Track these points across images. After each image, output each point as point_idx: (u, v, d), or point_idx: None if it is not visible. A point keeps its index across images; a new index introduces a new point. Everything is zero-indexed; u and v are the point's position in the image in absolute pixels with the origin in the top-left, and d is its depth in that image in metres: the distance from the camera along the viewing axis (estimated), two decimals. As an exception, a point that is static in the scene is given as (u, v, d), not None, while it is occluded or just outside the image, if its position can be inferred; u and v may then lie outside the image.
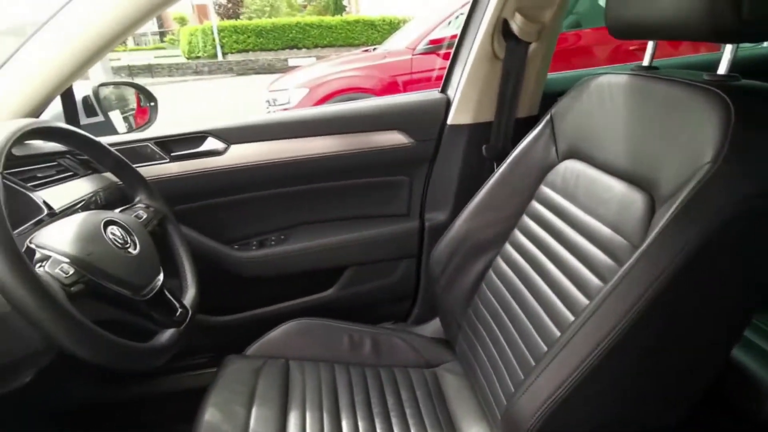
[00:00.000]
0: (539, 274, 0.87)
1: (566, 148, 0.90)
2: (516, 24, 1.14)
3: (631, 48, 3.74)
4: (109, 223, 0.77)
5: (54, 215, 0.92)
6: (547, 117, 0.95)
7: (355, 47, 13.10)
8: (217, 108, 8.27)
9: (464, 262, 1.05)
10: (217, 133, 1.19)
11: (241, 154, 1.20)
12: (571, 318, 0.73)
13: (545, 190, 0.93)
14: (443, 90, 1.33)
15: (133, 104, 1.61)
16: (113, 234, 0.76)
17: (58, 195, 0.97)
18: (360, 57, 4.81)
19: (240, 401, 0.96)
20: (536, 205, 0.94)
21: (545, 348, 0.77)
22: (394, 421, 0.97)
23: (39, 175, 1.00)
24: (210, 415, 0.92)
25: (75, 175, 1.08)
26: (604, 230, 0.74)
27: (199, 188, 1.21)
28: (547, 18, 1.16)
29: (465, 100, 1.25)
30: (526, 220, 0.96)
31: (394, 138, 1.26)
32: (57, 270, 0.65)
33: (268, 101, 4.31)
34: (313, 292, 1.34)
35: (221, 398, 0.97)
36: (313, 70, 4.57)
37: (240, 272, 1.27)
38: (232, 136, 1.19)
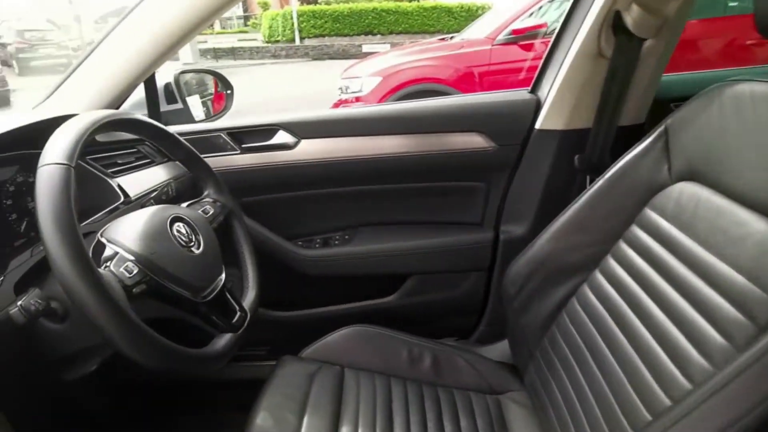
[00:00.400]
0: (638, 314, 0.74)
1: (684, 168, 0.76)
2: (631, 17, 0.98)
3: (747, 43, 3.24)
4: (175, 220, 0.75)
5: (129, 203, 0.93)
6: (661, 128, 0.81)
7: (430, 34, 12.87)
8: (289, 93, 8.45)
9: (544, 286, 0.94)
10: (289, 127, 1.15)
11: (312, 149, 1.16)
12: (683, 381, 0.60)
13: (651, 214, 0.80)
14: (533, 90, 1.20)
15: (212, 89, 1.63)
16: (179, 231, 0.74)
17: (134, 182, 0.98)
18: (436, 46, 4.67)
19: (292, 408, 0.93)
20: (638, 231, 0.81)
21: (641, 407, 0.66)
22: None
23: (119, 161, 1.02)
24: (261, 419, 0.90)
25: (152, 162, 1.09)
26: (735, 277, 0.60)
27: (267, 181, 1.19)
28: (671, 11, 0.99)
29: (559, 103, 1.12)
30: (624, 248, 0.83)
31: (474, 140, 1.17)
32: (121, 269, 0.64)
33: (340, 88, 4.30)
34: (373, 296, 1.29)
35: (274, 402, 0.94)
36: (386, 58, 4.50)
37: (302, 270, 1.24)
38: (302, 130, 1.15)
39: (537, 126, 1.15)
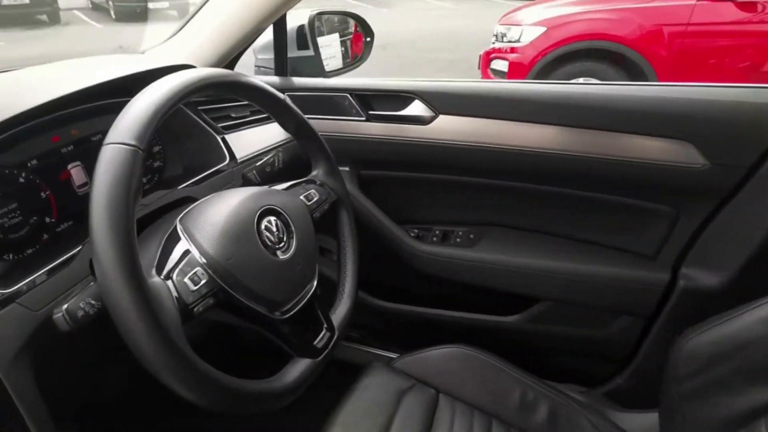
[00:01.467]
0: None
1: None
2: None
3: None
4: (267, 213, 0.62)
5: (233, 167, 0.83)
6: None
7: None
8: (440, 30, 8.02)
9: (739, 381, 0.65)
10: (428, 97, 0.94)
11: (450, 127, 0.94)
12: None
13: None
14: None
15: (352, 29, 1.45)
16: (267, 229, 0.60)
17: (243, 141, 0.88)
18: None
19: (374, 424, 0.82)
20: None
21: None
22: None
23: (233, 114, 0.92)
24: (339, 429, 0.80)
25: (268, 119, 0.97)
26: None
27: (391, 157, 1.02)
28: None
29: None
30: None
31: (675, 151, 0.84)
32: (187, 279, 0.52)
33: (495, 35, 3.84)
34: (490, 311, 1.08)
35: (355, 414, 0.84)
36: (555, 5, 3.89)
37: (413, 264, 1.08)
38: (443, 103, 0.94)
39: None
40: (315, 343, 0.64)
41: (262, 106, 0.69)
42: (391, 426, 0.83)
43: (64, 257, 0.58)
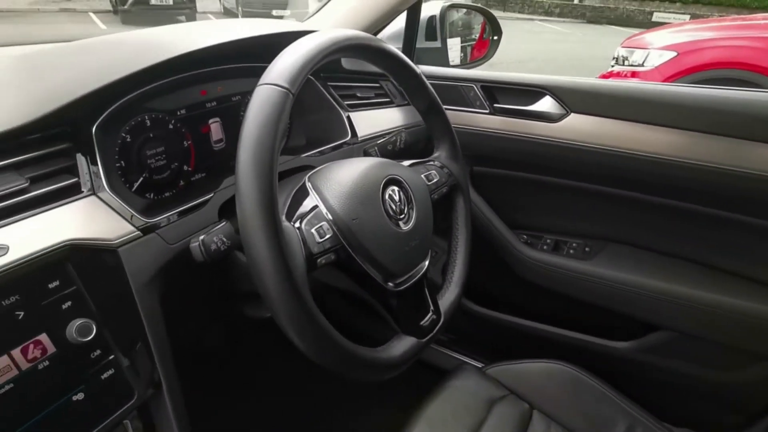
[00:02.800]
0: None
1: None
2: None
3: None
4: (391, 182, 0.60)
5: (355, 143, 0.83)
6: None
7: (749, 10, 10.11)
8: (551, 54, 7.77)
9: None
10: (560, 93, 0.88)
11: (582, 127, 0.87)
12: None
13: None
14: None
15: (476, 35, 1.43)
16: (391, 197, 0.59)
17: (366, 120, 0.89)
18: (759, 23, 3.48)
19: (463, 429, 0.77)
20: None
21: None
22: None
23: (358, 94, 0.93)
24: (423, 427, 0.76)
25: (390, 103, 0.97)
26: None
27: (511, 154, 0.96)
28: None
29: None
30: None
31: None
32: (314, 230, 0.52)
33: (615, 57, 3.61)
34: (598, 333, 0.98)
35: (442, 415, 0.80)
36: (685, 30, 3.58)
37: (518, 270, 1.01)
38: (577, 100, 0.87)
39: None
40: (421, 323, 0.62)
41: (399, 79, 0.68)
42: None
43: (197, 202, 0.61)
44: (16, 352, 0.43)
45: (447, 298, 0.69)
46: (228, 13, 12.28)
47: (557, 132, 0.89)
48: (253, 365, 1.20)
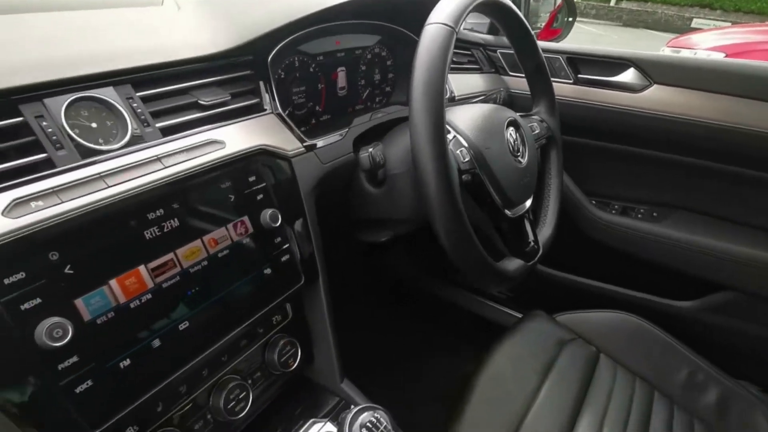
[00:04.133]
0: None
1: None
2: None
3: None
4: (511, 124, 0.70)
5: (453, 99, 0.92)
6: None
7: (796, 21, 9.87)
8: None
9: None
10: (643, 65, 0.96)
11: (664, 98, 0.94)
12: None
13: None
14: None
15: (544, 21, 1.50)
16: (511, 137, 0.69)
17: (459, 82, 0.97)
18: None
19: (535, 366, 0.85)
20: None
21: None
22: None
23: (454, 59, 1.01)
24: (501, 363, 0.84)
25: (479, 70, 1.06)
26: None
27: (592, 122, 1.04)
28: None
29: None
30: None
31: None
32: (457, 151, 0.61)
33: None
34: (663, 293, 1.06)
35: (517, 351, 0.88)
36: (733, 32, 3.57)
37: (588, 231, 1.09)
38: (660, 72, 0.95)
39: None
40: (526, 250, 0.71)
41: (513, 37, 0.77)
42: (551, 370, 0.85)
43: (339, 133, 0.71)
44: (230, 227, 0.53)
45: (544, 233, 0.77)
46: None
47: (640, 102, 0.96)
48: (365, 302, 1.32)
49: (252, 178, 0.56)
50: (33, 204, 0.40)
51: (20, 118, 0.43)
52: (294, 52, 0.74)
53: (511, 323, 0.94)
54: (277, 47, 0.67)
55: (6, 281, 0.37)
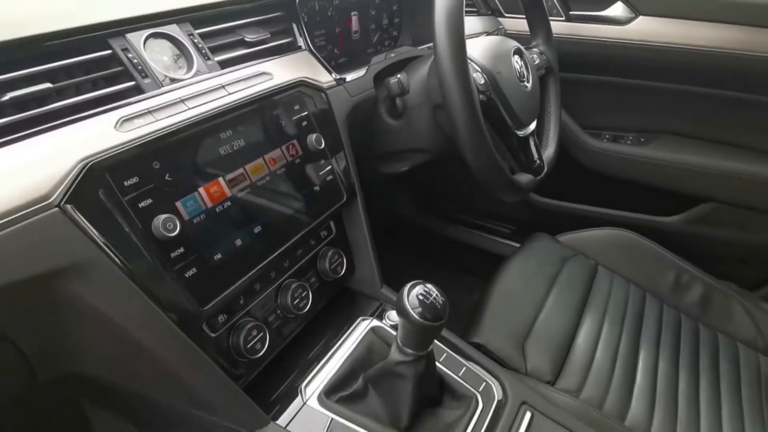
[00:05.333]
0: None
1: None
2: None
3: None
4: (517, 52, 0.77)
5: None
6: None
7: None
8: None
9: None
10: None
11: (649, 29, 1.01)
12: None
13: None
14: None
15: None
16: (517, 63, 0.76)
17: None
18: None
19: (541, 279, 0.94)
20: None
21: None
22: (703, 385, 0.81)
23: None
24: (510, 278, 0.93)
25: (476, 12, 1.12)
26: None
27: (582, 57, 1.11)
28: None
29: None
30: None
31: None
32: (475, 75, 0.69)
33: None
34: (652, 212, 1.16)
35: (524, 267, 0.97)
36: None
37: (581, 159, 1.18)
38: (644, 3, 1.01)
39: None
40: (533, 166, 0.80)
41: None
42: (556, 281, 0.94)
43: (358, 72, 0.78)
44: (284, 148, 0.61)
45: (548, 152, 0.86)
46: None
47: (626, 34, 1.03)
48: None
49: (297, 107, 0.64)
50: (135, 121, 0.47)
51: (109, 51, 0.50)
52: None
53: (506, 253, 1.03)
54: None
55: (126, 183, 0.44)
